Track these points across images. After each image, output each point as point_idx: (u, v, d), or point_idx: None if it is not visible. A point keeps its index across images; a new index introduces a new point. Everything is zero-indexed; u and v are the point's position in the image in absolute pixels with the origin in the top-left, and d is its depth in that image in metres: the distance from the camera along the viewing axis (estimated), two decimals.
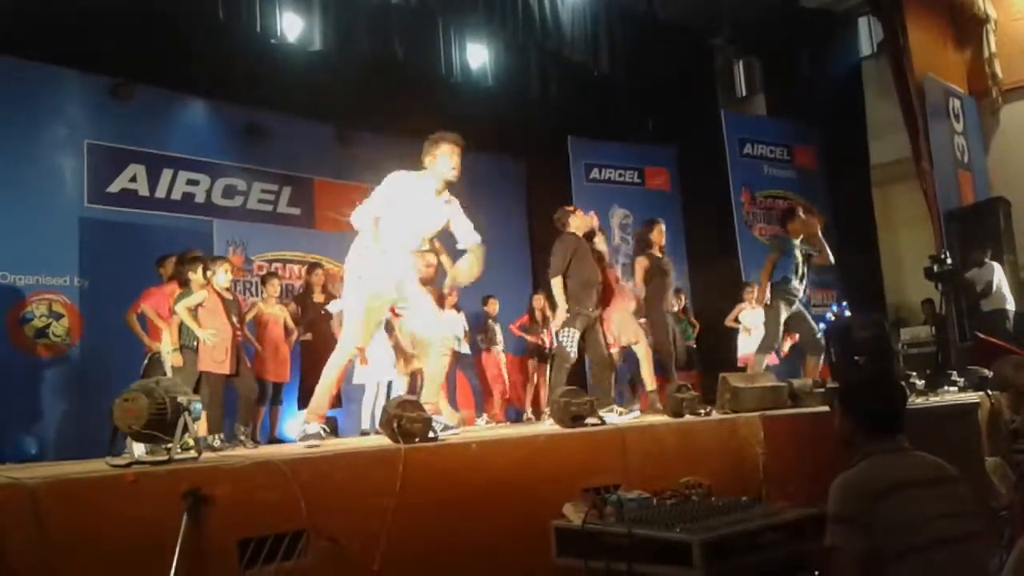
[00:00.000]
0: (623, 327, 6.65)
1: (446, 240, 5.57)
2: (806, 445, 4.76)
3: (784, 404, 5.69)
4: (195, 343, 6.23)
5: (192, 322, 6.16)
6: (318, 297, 8.20)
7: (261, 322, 7.58)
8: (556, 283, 6.16)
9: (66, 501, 2.61)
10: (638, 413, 6.21)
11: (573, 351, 6.13)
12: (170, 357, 6.36)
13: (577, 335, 6.13)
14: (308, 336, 8.02)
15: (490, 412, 9.32)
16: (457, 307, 8.94)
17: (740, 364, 7.30)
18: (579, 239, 6.32)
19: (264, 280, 7.99)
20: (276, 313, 7.67)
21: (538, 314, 9.84)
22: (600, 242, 6.71)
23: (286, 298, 8.39)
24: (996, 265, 8.48)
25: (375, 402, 8.08)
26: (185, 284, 6.50)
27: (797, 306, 6.98)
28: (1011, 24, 10.09)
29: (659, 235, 7.14)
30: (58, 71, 8.39)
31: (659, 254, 7.14)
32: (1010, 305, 8.42)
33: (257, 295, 8.52)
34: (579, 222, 6.41)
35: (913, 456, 2.67)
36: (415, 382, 5.43)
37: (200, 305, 6.25)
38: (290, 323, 7.79)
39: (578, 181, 10.76)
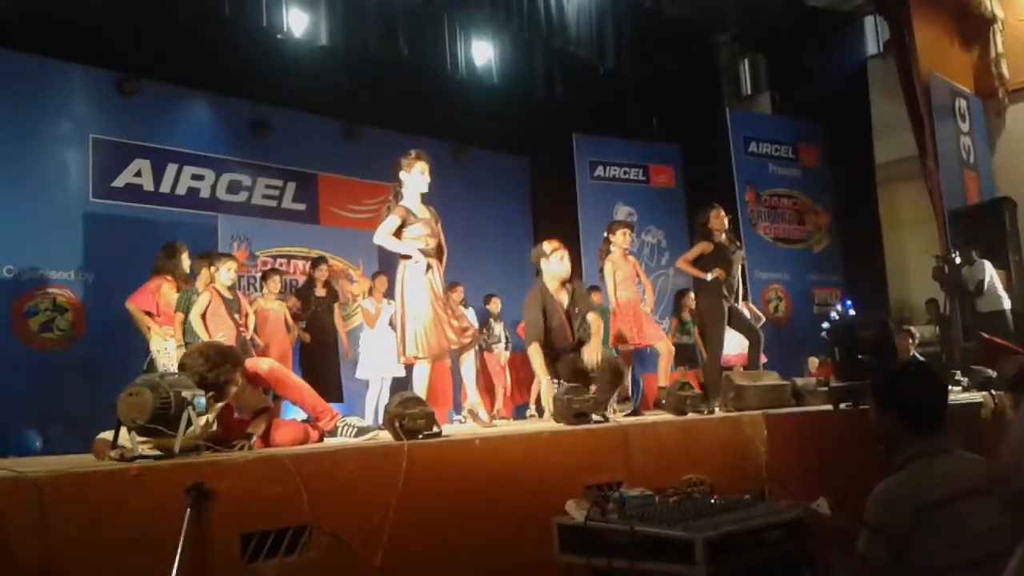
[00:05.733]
0: (639, 325, 6.65)
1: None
2: (809, 444, 4.76)
3: (787, 403, 5.70)
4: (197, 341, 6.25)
5: (202, 330, 6.20)
6: (319, 291, 8.21)
7: (261, 318, 7.59)
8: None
9: (70, 495, 2.62)
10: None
11: None
12: (160, 356, 6.42)
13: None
14: (307, 337, 8.02)
15: (492, 410, 9.32)
16: (465, 303, 8.96)
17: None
18: (544, 294, 5.56)
19: (265, 276, 8.01)
20: (276, 309, 7.69)
21: None
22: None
23: (288, 294, 8.39)
24: (987, 263, 8.46)
25: (379, 397, 8.12)
26: (169, 273, 6.58)
27: None
28: (1018, 24, 10.05)
29: (717, 220, 6.90)
30: (64, 66, 8.40)
31: (724, 242, 6.89)
32: (1006, 304, 8.40)
33: (260, 291, 8.54)
34: (556, 270, 5.62)
35: (959, 459, 2.46)
36: (409, 376, 5.34)
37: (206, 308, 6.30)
38: (290, 320, 7.80)
39: (582, 179, 10.75)
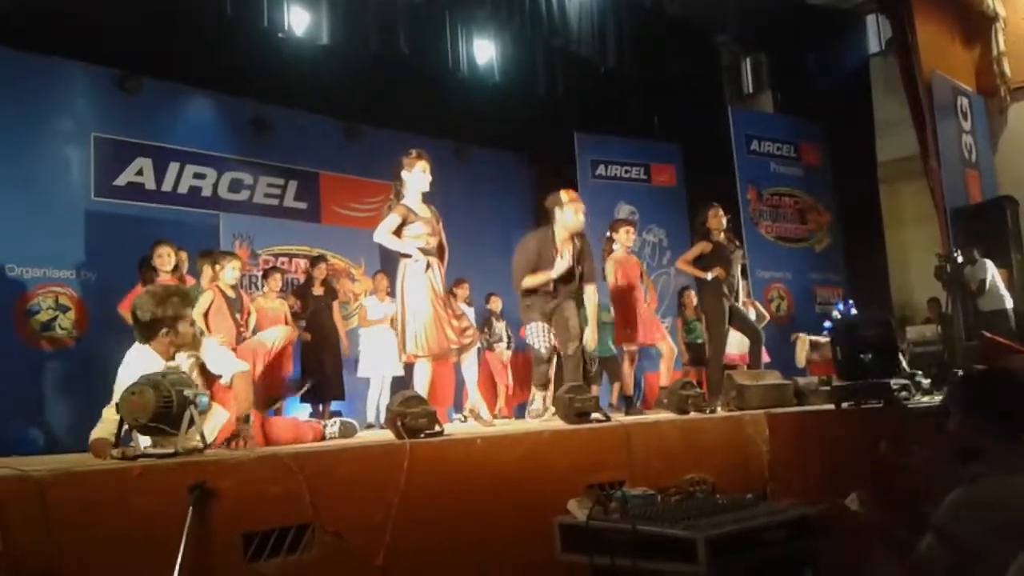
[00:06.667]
0: (642, 325, 6.65)
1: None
2: (811, 443, 4.76)
3: (789, 402, 5.70)
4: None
5: (204, 328, 6.20)
6: (317, 290, 8.20)
7: (261, 316, 7.58)
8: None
9: (73, 493, 2.62)
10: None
11: (542, 346, 5.50)
12: None
13: (542, 327, 5.51)
14: (307, 336, 8.01)
15: (493, 409, 9.31)
16: (469, 300, 8.96)
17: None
18: (547, 239, 5.58)
19: (266, 275, 8.00)
20: (276, 308, 7.67)
21: None
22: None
23: (289, 292, 8.39)
24: (989, 262, 8.46)
25: (380, 396, 8.13)
26: (149, 283, 6.58)
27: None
28: (1020, 23, 10.03)
29: (715, 219, 6.84)
30: (65, 64, 8.40)
31: (723, 241, 6.85)
32: (1008, 303, 8.40)
33: (261, 289, 8.54)
34: (570, 221, 5.59)
35: None
36: (409, 376, 5.37)
37: (209, 306, 6.31)
38: (289, 319, 7.79)
39: (584, 178, 10.75)
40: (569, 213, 5.54)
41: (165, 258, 6.77)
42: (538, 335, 5.48)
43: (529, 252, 5.50)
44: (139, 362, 3.62)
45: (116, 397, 3.44)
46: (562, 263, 5.45)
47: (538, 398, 5.51)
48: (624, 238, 6.75)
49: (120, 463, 2.95)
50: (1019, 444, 2.28)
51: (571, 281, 5.54)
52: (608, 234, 6.91)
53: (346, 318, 8.76)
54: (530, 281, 5.47)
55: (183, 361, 3.74)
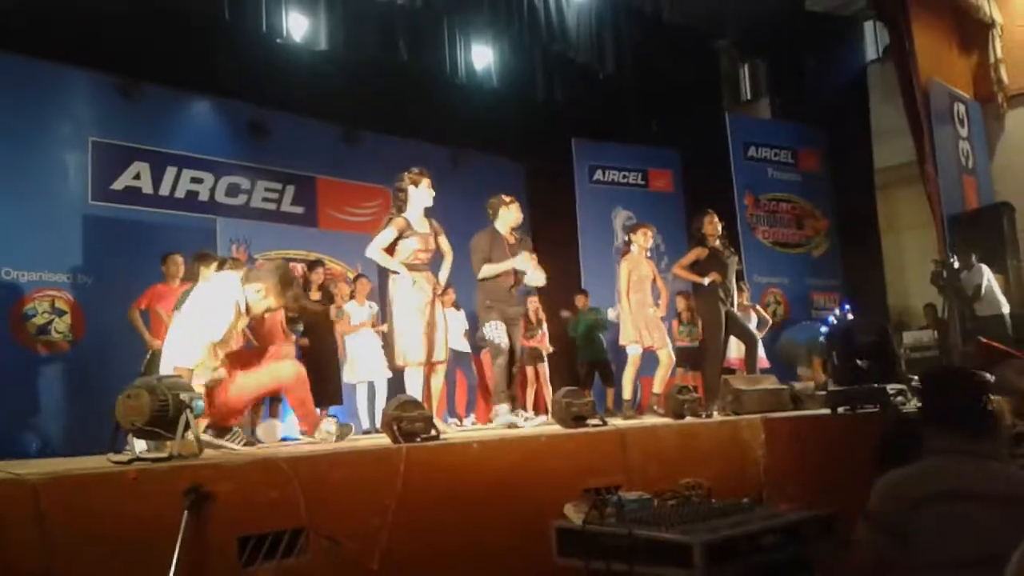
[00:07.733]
0: (648, 329, 6.65)
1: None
2: (807, 448, 4.76)
3: (785, 407, 5.70)
4: None
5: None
6: (314, 295, 8.18)
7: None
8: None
9: (67, 497, 2.62)
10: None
11: (501, 340, 5.73)
12: None
13: (501, 326, 5.76)
14: (304, 341, 8.00)
15: (489, 414, 9.28)
16: (457, 305, 8.95)
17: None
18: (495, 233, 5.92)
19: None
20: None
21: (532, 316, 9.80)
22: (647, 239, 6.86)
23: None
24: (985, 267, 8.48)
25: (368, 401, 8.12)
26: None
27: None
28: (1017, 29, 10.08)
29: (711, 226, 6.91)
30: (64, 69, 8.39)
31: (719, 247, 6.92)
32: (1004, 308, 8.42)
33: None
34: (511, 217, 6.02)
35: (982, 464, 2.39)
36: (401, 380, 5.50)
37: None
38: (285, 324, 7.76)
39: (581, 183, 10.77)
40: (513, 210, 5.99)
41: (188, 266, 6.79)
42: (495, 331, 5.74)
43: (483, 244, 5.83)
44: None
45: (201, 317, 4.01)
46: (525, 257, 5.81)
47: (503, 410, 5.58)
48: (641, 240, 6.86)
49: (115, 467, 2.95)
50: (954, 436, 2.43)
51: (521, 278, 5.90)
52: (627, 237, 7.04)
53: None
54: (489, 269, 5.77)
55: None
